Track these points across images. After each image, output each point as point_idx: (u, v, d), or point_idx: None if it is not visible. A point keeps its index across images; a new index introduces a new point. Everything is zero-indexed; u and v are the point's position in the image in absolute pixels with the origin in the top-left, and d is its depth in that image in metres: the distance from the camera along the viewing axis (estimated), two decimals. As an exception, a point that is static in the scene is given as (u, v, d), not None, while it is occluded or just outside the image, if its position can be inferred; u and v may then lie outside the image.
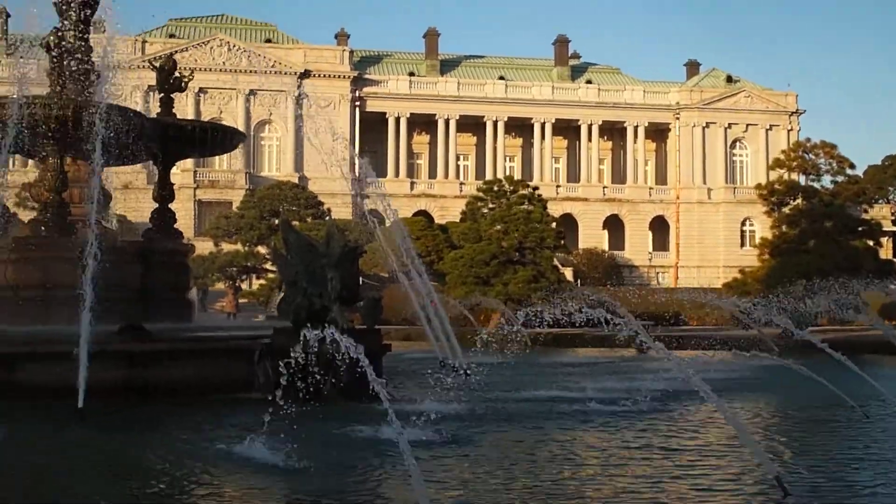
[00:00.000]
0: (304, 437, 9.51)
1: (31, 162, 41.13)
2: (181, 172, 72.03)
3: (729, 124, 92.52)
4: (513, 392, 15.45)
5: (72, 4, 18.98)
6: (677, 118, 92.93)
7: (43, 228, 18.02)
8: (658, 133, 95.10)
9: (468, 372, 15.30)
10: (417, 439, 9.79)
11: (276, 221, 59.62)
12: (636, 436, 11.28)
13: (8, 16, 78.05)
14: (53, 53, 18.44)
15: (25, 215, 27.95)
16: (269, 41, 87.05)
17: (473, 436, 11.03)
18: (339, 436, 10.82)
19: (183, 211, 56.57)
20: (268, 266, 58.94)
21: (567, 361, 25.19)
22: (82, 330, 11.77)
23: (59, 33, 18.84)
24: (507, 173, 72.58)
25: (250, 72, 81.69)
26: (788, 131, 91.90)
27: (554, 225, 54.54)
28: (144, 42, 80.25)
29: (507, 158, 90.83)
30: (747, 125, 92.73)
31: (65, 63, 18.57)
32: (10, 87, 19.06)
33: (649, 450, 10.35)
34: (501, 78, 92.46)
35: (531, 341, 25.23)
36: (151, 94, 64.30)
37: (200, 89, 78.97)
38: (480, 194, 56.00)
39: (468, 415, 12.40)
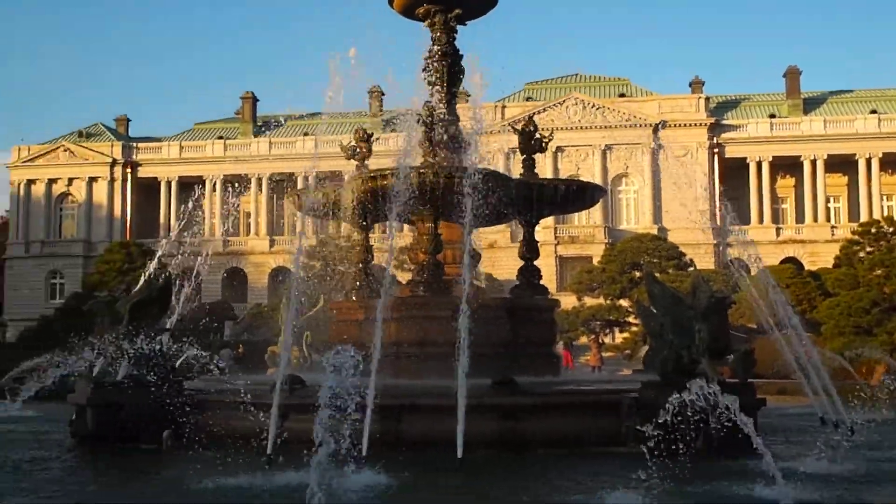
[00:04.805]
0: (675, 494, 9.29)
1: (405, 227, 44.18)
2: (542, 230, 73.93)
3: None
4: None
5: (440, 81, 20.49)
6: None
7: (420, 288, 19.16)
8: None
9: (853, 429, 14.21)
10: (800, 501, 9.22)
11: (638, 274, 59.60)
12: None
13: (382, 94, 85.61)
14: (426, 125, 19.76)
15: (403, 276, 30.09)
16: (622, 95, 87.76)
17: (862, 499, 10.21)
18: (711, 494, 10.40)
19: (545, 267, 57.88)
20: (630, 319, 58.79)
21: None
22: (459, 384, 12.30)
23: (430, 106, 20.22)
24: (886, 213, 67.55)
25: (605, 127, 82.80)
26: None
27: (943, 267, 49.78)
28: (504, 107, 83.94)
29: (884, 197, 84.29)
30: None
31: (435, 133, 19.89)
32: (388, 160, 20.73)
33: None
34: (873, 112, 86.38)
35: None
36: (512, 155, 67.01)
37: (558, 148, 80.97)
38: (856, 237, 52.67)
39: (854, 476, 11.46)
